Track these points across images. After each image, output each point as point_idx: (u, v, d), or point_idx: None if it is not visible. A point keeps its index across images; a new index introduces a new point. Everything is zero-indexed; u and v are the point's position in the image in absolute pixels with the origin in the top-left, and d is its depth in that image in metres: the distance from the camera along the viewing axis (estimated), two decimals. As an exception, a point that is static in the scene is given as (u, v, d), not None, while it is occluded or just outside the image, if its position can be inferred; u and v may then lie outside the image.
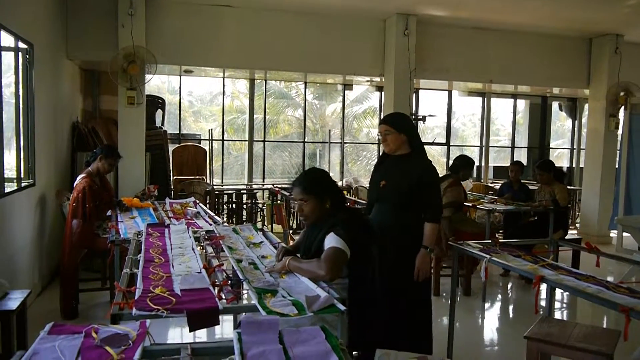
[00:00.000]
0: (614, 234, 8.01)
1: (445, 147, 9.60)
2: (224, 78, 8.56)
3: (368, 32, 7.49)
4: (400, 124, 3.23)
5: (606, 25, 7.76)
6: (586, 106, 9.14)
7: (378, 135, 3.24)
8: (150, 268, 2.46)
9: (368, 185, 3.43)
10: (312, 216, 2.67)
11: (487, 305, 5.26)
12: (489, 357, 4.09)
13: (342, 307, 1.96)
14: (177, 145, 8.18)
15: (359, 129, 14.73)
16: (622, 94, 7.99)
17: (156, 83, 14.45)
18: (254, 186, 8.56)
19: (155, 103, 7.60)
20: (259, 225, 7.60)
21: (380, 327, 3.17)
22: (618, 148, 8.18)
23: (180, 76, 8.25)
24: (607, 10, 6.96)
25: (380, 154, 3.41)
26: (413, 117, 7.58)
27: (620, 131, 8.03)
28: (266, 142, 9.35)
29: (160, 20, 6.60)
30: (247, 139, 8.88)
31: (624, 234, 6.79)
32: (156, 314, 1.86)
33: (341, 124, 9.64)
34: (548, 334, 2.71)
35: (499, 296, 5.68)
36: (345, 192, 8.05)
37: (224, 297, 2.10)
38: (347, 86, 9.16)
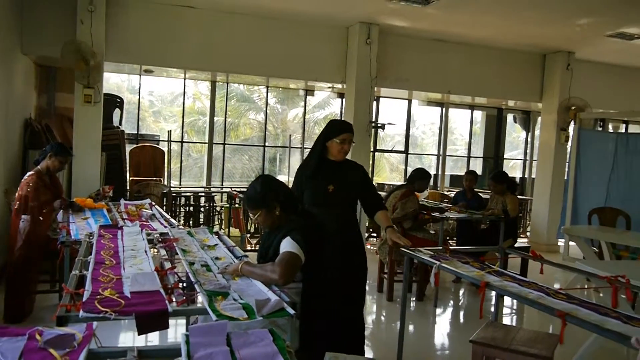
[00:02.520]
0: (562, 242, 8.31)
1: (404, 155, 9.77)
2: (185, 79, 8.48)
3: (331, 39, 7.57)
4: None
5: (559, 43, 8.08)
6: (539, 119, 9.47)
7: (339, 141, 3.27)
8: (101, 270, 2.44)
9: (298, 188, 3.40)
10: (267, 224, 2.75)
11: (439, 310, 5.38)
12: (437, 361, 4.20)
13: (292, 311, 1.99)
14: (135, 145, 8.05)
15: (320, 135, 14.78)
16: (572, 108, 8.32)
17: (115, 81, 14.20)
18: (213, 189, 8.50)
19: (113, 102, 7.47)
20: (217, 228, 7.55)
21: (332, 331, 3.22)
22: (567, 160, 8.50)
23: (140, 75, 8.13)
24: (559, 28, 7.26)
25: (311, 159, 3.38)
26: (373, 124, 7.69)
27: (569, 144, 8.34)
28: (226, 145, 9.30)
29: (120, 18, 6.50)
30: (207, 141, 8.82)
31: (571, 243, 7.05)
32: (104, 317, 1.85)
33: (302, 129, 9.68)
34: (492, 338, 2.81)
35: (451, 302, 5.82)
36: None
37: (174, 299, 2.10)
38: (309, 92, 9.21)
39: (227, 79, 8.59)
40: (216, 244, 3.21)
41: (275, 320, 2.32)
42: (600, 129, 10.06)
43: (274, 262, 2.44)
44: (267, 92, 9.43)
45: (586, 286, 5.42)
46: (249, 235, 7.61)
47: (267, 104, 9.73)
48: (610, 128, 10.74)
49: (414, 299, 5.56)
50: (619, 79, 9.28)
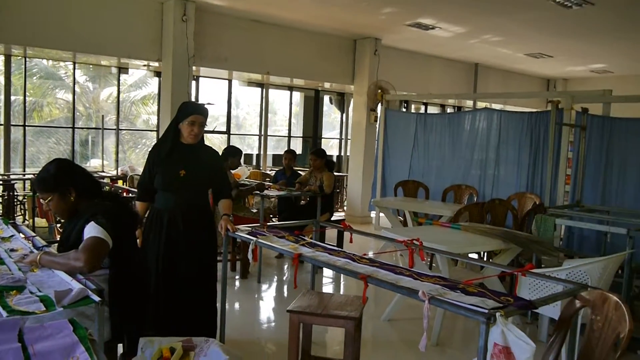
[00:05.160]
0: (374, 214, 9.07)
1: (226, 135, 9.73)
2: (-30, 51, 7.38)
3: (144, 14, 7.19)
4: (207, 117, 3.38)
5: (367, 29, 8.71)
6: (352, 100, 10.12)
7: (188, 123, 3.22)
8: None
9: (150, 172, 3.33)
10: (62, 211, 2.57)
11: (263, 286, 5.54)
12: (260, 334, 4.32)
13: (97, 299, 1.89)
14: None
15: (138, 115, 14.04)
16: (379, 91, 9.05)
17: None
18: (13, 176, 7.59)
19: None
20: (20, 220, 6.80)
21: (152, 315, 3.14)
22: (376, 139, 9.26)
23: None
24: (366, 16, 7.80)
25: (164, 142, 3.36)
26: (192, 104, 7.50)
27: (378, 124, 9.08)
28: (27, 127, 8.34)
29: None
30: (2, 122, 7.80)
31: (381, 214, 7.73)
32: None
33: (117, 110, 9.09)
34: (308, 306, 2.98)
35: (275, 277, 6.02)
36: (120, 182, 7.64)
37: (-44, 299, 1.86)
38: (123, 69, 8.65)
39: (25, 53, 7.66)
40: (12, 235, 2.89)
41: (84, 310, 2.19)
42: (404, 110, 11.10)
43: (77, 250, 2.28)
44: (75, 68, 8.62)
45: (393, 252, 6.02)
46: (58, 225, 6.97)
47: (74, 81, 8.89)
48: (413, 109, 11.92)
49: (238, 277, 5.63)
50: (418, 65, 10.35)
